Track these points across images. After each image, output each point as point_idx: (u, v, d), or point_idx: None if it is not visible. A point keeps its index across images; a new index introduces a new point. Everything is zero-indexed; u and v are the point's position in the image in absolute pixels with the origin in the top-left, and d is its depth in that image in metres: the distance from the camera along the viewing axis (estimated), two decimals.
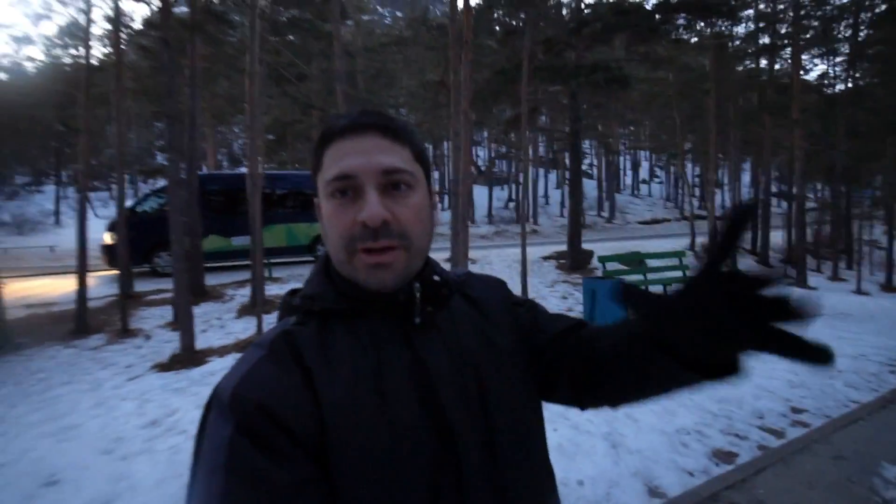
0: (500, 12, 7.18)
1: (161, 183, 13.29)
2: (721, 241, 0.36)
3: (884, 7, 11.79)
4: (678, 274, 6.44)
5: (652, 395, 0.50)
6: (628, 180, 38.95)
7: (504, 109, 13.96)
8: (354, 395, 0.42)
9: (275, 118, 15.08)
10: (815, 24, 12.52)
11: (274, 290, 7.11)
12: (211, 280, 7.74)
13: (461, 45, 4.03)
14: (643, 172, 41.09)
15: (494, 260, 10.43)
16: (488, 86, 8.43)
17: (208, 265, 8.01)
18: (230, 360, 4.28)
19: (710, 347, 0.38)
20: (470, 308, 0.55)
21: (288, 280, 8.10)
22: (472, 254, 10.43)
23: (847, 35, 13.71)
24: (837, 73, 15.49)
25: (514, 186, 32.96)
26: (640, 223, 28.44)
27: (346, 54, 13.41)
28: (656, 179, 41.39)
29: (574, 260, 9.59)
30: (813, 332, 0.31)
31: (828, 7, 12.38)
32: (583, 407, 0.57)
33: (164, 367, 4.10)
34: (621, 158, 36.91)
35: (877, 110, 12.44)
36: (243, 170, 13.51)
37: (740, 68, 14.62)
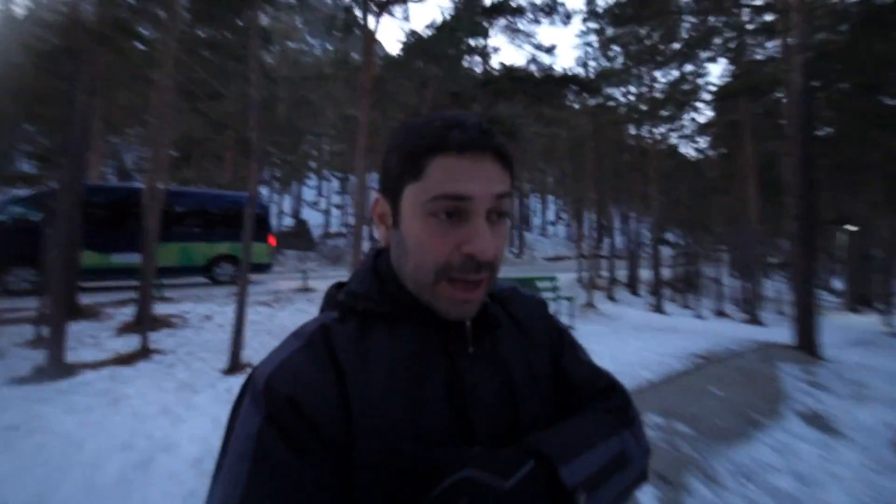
0: (420, 62, 8.15)
1: (21, 192, 11.68)
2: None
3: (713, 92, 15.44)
4: (551, 294, 7.80)
5: None
6: (537, 220, 42.88)
7: None
8: (388, 399, 0.41)
9: (183, 134, 14.34)
10: (668, 104, 15.83)
11: (165, 310, 6.76)
12: (85, 299, 7.08)
13: (365, 93, 4.70)
14: (550, 214, 45.65)
15: None
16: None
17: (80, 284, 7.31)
18: (106, 372, 4.12)
19: None
20: (512, 327, 0.53)
21: (180, 301, 7.70)
22: None
23: (692, 115, 17.53)
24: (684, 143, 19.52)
25: None
26: (546, 259, 31.42)
27: (269, 80, 13.53)
28: (562, 221, 46.22)
29: None
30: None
31: (679, 91, 15.78)
32: None
33: (24, 381, 3.80)
34: (531, 201, 40.79)
35: (710, 177, 16.01)
36: (135, 184, 12.51)
37: (615, 131, 17.73)
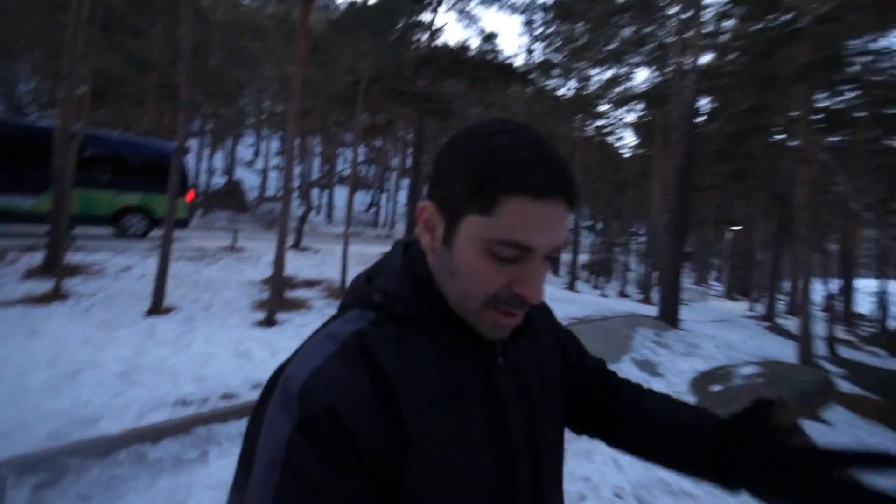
0: (359, 32, 8.24)
1: None
2: (851, 457, 0.41)
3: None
4: None
5: (649, 459, 0.57)
6: None
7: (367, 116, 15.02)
8: (437, 407, 0.41)
9: (97, 70, 12.95)
10: (598, 101, 17.17)
11: (80, 259, 6.57)
12: None
13: (301, 58, 4.95)
14: None
15: (337, 252, 11.29)
16: (344, 92, 9.40)
17: None
18: (18, 310, 4.18)
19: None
20: (526, 331, 0.53)
21: (97, 251, 7.44)
22: (320, 246, 11.07)
23: (620, 113, 19.15)
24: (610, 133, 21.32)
25: (377, 194, 34.23)
26: None
27: (202, 22, 12.56)
28: None
29: None
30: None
31: (609, 91, 17.13)
32: (580, 434, 0.63)
33: None
34: None
35: (631, 172, 17.85)
36: (27, 120, 11.19)
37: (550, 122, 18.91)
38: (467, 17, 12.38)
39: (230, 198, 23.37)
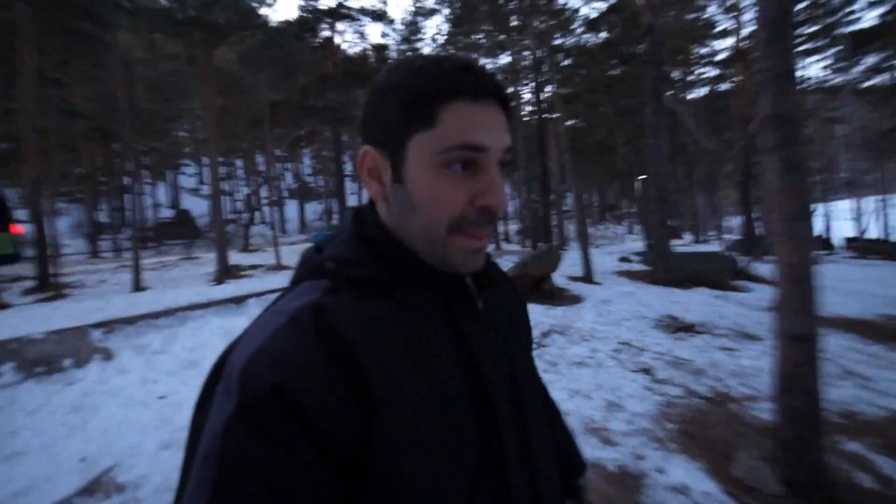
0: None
1: None
2: None
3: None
4: None
5: None
6: None
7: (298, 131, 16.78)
8: (407, 378, 0.37)
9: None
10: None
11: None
12: None
13: (211, 99, 6.92)
14: None
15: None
16: (259, 116, 11.31)
17: None
18: None
19: None
20: (495, 283, 0.50)
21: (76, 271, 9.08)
22: (269, 249, 12.94)
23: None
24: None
25: (329, 200, 35.79)
26: None
27: (126, 64, 13.85)
28: None
29: None
30: None
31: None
32: None
33: None
34: None
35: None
36: None
37: None
38: (360, 35, 14.37)
39: (180, 227, 24.39)
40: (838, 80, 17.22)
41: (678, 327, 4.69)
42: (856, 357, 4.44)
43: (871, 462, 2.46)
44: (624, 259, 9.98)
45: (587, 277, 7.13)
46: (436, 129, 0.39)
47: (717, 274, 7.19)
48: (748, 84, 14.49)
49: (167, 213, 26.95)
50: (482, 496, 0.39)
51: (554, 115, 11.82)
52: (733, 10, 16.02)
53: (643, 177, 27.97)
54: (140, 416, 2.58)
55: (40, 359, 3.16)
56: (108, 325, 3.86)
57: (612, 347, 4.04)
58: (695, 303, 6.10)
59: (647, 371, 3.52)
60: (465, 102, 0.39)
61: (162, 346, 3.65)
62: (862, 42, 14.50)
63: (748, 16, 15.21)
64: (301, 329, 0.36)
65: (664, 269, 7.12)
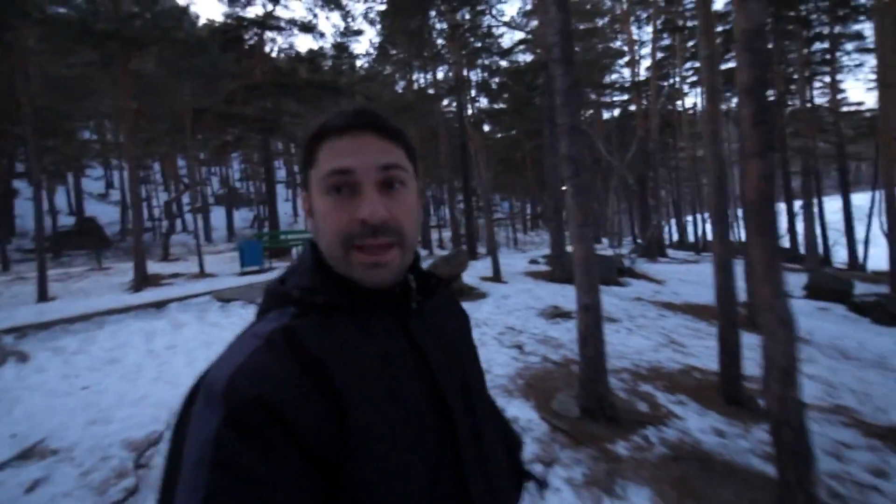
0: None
1: None
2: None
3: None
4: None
5: None
6: None
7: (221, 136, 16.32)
8: (371, 383, 0.43)
9: None
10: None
11: None
12: None
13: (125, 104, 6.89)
14: None
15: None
16: (178, 122, 11.07)
17: None
18: None
19: None
20: (444, 300, 0.59)
21: None
22: (192, 258, 12.49)
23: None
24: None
25: (260, 207, 34.35)
26: None
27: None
28: None
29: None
30: None
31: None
32: None
33: None
34: None
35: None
36: None
37: None
38: (288, 45, 14.51)
39: (85, 236, 22.08)
40: None
41: (556, 314, 5.73)
42: (683, 332, 5.78)
43: (653, 396, 3.51)
44: (533, 261, 11.25)
45: (496, 277, 8.11)
46: (316, 166, 0.48)
47: (604, 273, 8.55)
48: (639, 109, 16.91)
49: (68, 221, 24.22)
50: (442, 484, 0.44)
51: (476, 130, 12.98)
52: (633, 43, 18.62)
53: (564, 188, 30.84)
54: (65, 403, 2.88)
55: None
56: (20, 331, 3.94)
57: (498, 331, 4.92)
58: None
59: (518, 347, 4.41)
60: (333, 139, 0.47)
61: (80, 348, 3.83)
62: None
63: (645, 50, 17.78)
64: (276, 348, 0.41)
65: (560, 269, 8.33)
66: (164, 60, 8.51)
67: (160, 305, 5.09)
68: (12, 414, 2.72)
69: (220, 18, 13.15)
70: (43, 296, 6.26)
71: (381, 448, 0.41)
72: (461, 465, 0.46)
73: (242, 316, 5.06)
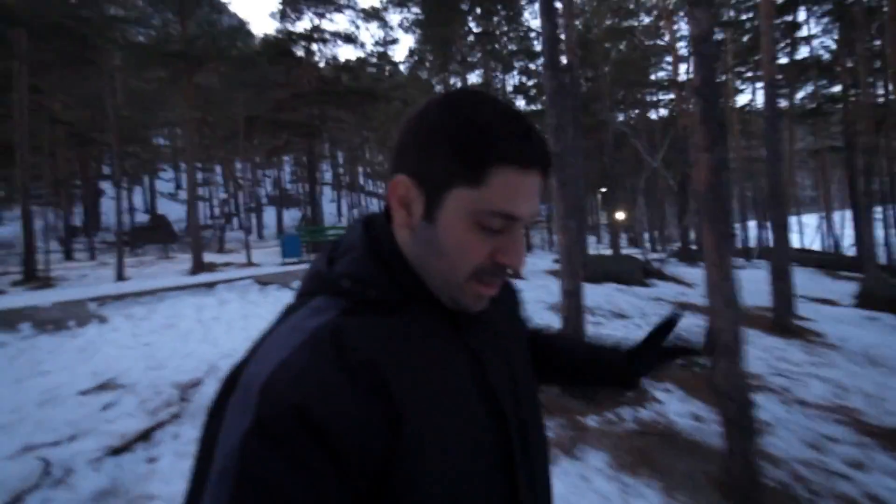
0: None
1: None
2: (657, 331, 0.67)
3: None
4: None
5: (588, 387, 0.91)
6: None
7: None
8: (428, 387, 0.40)
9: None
10: None
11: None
12: None
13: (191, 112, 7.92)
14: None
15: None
16: (234, 129, 12.30)
17: None
18: None
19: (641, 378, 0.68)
20: (497, 298, 0.53)
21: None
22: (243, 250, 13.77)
23: None
24: None
25: (307, 207, 36.51)
26: None
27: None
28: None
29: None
30: None
31: None
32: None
33: None
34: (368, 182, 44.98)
35: None
36: None
37: None
38: (332, 55, 15.61)
39: (157, 231, 24.67)
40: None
41: None
42: (694, 329, 5.76)
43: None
44: (557, 261, 11.30)
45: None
46: (480, 190, 0.41)
47: (626, 273, 8.50)
48: (682, 108, 16.30)
49: (143, 218, 27.16)
50: (496, 493, 0.43)
51: None
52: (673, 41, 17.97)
53: (603, 190, 30.06)
54: (132, 354, 3.60)
55: (49, 320, 4.11)
56: (101, 300, 4.81)
57: None
58: (595, 294, 7.34)
59: None
60: (514, 170, 0.41)
61: (145, 315, 4.63)
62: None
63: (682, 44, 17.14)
64: (322, 349, 0.37)
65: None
66: (222, 74, 9.63)
67: (210, 286, 5.89)
68: (94, 359, 3.46)
69: (272, 32, 14.38)
70: (120, 276, 7.37)
71: (434, 461, 0.38)
72: (513, 472, 0.45)
73: (277, 297, 5.76)
